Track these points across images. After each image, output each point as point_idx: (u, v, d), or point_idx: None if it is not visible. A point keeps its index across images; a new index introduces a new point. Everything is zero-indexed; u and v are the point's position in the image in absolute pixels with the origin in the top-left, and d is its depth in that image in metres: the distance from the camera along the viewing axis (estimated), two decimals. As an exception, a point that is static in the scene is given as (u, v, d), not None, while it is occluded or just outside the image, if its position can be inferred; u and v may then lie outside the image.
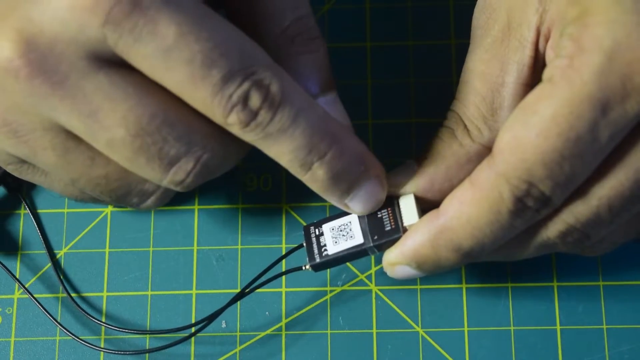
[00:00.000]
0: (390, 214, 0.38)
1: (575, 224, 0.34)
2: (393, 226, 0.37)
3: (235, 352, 0.43)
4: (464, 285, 0.43)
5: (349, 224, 0.38)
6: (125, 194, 0.36)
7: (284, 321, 0.43)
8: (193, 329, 0.41)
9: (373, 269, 0.43)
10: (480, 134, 0.36)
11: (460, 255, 0.35)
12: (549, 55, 0.35)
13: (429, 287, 0.43)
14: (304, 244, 0.39)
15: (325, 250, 0.38)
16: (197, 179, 0.34)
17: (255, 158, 0.45)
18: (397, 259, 0.37)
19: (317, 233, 0.39)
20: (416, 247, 0.36)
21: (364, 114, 0.45)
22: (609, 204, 0.33)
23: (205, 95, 0.32)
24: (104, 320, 0.43)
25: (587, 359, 0.42)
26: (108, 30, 0.31)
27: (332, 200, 0.36)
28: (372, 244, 0.38)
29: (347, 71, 0.46)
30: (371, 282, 0.43)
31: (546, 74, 0.32)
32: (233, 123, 0.33)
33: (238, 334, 0.43)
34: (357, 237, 0.38)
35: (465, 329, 0.42)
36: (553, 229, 0.35)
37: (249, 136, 0.33)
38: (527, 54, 0.35)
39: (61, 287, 0.43)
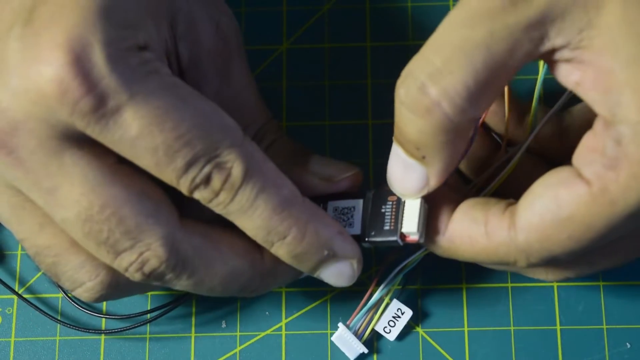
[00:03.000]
0: (394, 212, 0.37)
1: (573, 277, 0.38)
2: (392, 227, 0.37)
3: (235, 352, 0.43)
4: (464, 285, 0.43)
5: (352, 208, 0.38)
6: (58, 273, 0.36)
7: (284, 321, 0.43)
8: (148, 316, 0.42)
9: (373, 269, 0.43)
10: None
11: None
12: (589, 96, 0.33)
13: (430, 287, 0.43)
14: None
15: None
16: (142, 274, 0.34)
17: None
18: None
19: (321, 208, 0.38)
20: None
21: (364, 114, 0.45)
22: (609, 265, 0.37)
23: (171, 178, 0.33)
24: (103, 312, 0.43)
25: (587, 359, 0.42)
26: (76, 119, 0.32)
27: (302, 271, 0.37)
28: (367, 239, 0.37)
29: (347, 71, 0.46)
30: (371, 282, 0.43)
31: (584, 168, 0.32)
32: (197, 199, 0.34)
33: (238, 334, 0.43)
34: (355, 227, 0.38)
35: (465, 329, 0.42)
36: (552, 276, 0.38)
37: (214, 209, 0.34)
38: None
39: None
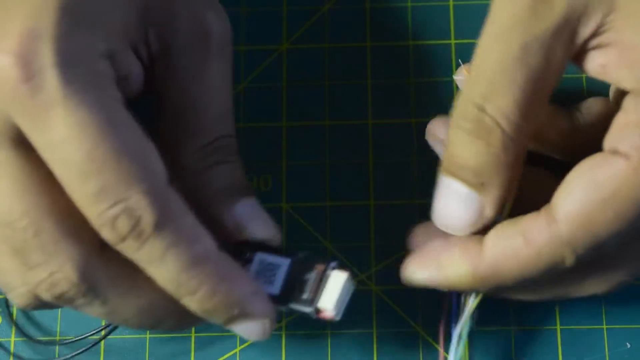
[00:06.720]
0: (318, 280, 0.36)
1: (628, 279, 0.37)
2: (311, 297, 0.35)
3: (235, 352, 0.43)
4: (464, 285, 0.43)
5: (278, 267, 0.37)
6: None
7: (284, 321, 0.43)
8: (103, 332, 0.41)
9: (373, 269, 0.43)
10: None
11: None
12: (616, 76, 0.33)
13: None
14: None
15: None
16: (52, 295, 0.33)
17: (255, 157, 0.45)
18: (422, 280, 0.37)
19: (247, 257, 0.37)
20: (452, 278, 0.36)
21: (364, 114, 0.45)
22: None
23: (80, 203, 0.32)
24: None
25: (587, 359, 0.42)
26: (11, 108, 0.31)
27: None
28: (283, 303, 0.36)
29: (347, 71, 0.46)
30: (371, 282, 0.43)
31: (620, 144, 0.32)
32: (105, 238, 0.32)
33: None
34: (275, 286, 0.36)
35: (465, 329, 0.42)
36: (606, 283, 0.38)
37: (122, 252, 0.33)
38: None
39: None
